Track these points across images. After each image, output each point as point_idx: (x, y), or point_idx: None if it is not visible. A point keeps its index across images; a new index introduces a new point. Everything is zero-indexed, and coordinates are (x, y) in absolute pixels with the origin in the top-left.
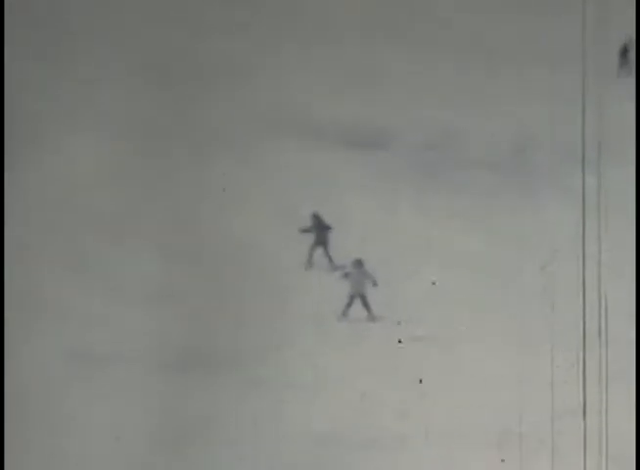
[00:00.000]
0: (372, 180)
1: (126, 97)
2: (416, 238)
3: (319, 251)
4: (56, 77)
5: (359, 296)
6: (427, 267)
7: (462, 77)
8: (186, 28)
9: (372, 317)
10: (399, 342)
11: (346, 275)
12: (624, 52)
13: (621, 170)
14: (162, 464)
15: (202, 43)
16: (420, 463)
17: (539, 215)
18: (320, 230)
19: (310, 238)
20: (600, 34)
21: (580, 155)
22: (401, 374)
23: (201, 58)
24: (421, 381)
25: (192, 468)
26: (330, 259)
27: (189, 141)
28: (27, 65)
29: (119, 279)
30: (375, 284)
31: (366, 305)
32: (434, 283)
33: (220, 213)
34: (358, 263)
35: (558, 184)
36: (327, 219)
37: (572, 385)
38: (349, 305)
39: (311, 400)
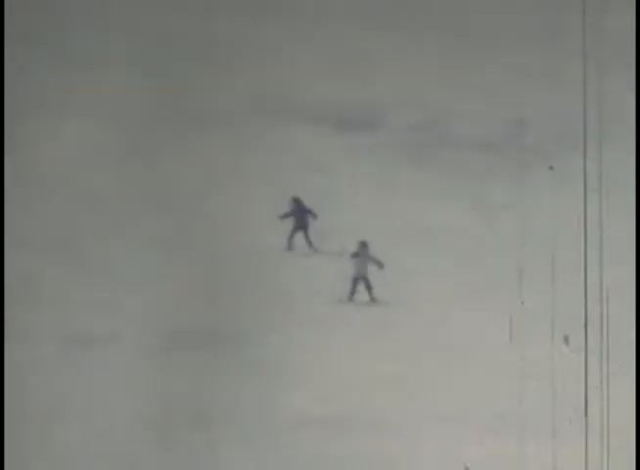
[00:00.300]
0: (363, 162)
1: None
2: (410, 219)
3: (299, 234)
4: (51, 63)
5: (362, 278)
6: (422, 249)
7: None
8: (175, 12)
9: (373, 299)
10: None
11: (353, 255)
12: None
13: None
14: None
15: (192, 26)
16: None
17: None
18: (300, 214)
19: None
20: (600, 22)
21: (582, 140)
22: (399, 355)
23: (190, 40)
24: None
25: (188, 447)
26: (310, 244)
27: (175, 123)
28: (25, 50)
29: (114, 265)
30: (381, 267)
31: (369, 287)
32: (428, 267)
33: (208, 195)
34: (363, 246)
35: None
36: (316, 202)
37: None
38: (354, 289)
39: (307, 384)
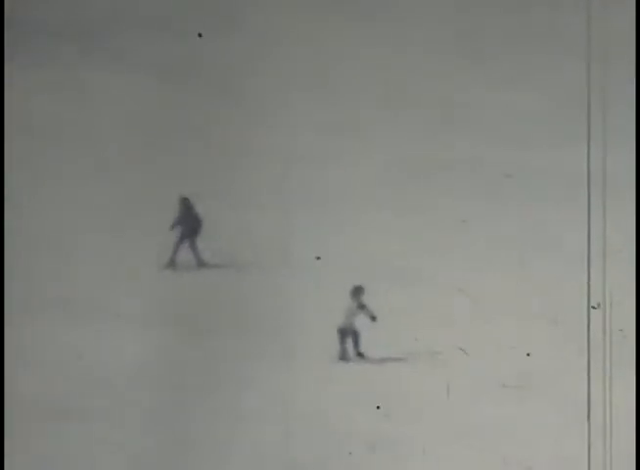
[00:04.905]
0: None
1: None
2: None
3: (186, 244)
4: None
5: (352, 333)
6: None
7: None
8: None
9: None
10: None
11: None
12: None
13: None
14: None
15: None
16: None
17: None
18: (189, 220)
19: None
20: (605, 20)
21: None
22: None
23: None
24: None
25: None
26: (197, 255)
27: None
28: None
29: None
30: (374, 319)
31: (356, 343)
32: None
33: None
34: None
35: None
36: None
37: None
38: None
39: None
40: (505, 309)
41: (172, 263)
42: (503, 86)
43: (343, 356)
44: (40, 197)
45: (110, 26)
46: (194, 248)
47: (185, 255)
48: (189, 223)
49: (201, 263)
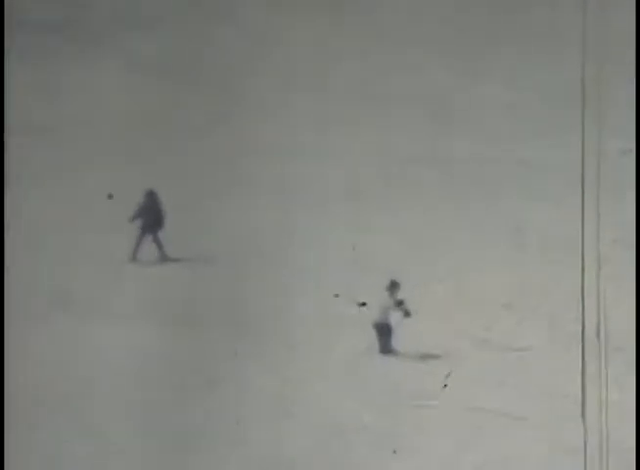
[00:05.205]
0: None
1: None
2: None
3: (149, 238)
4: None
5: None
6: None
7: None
8: None
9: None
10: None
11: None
12: None
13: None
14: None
15: None
16: None
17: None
18: (151, 213)
19: None
20: (601, 18)
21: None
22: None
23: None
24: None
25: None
26: (160, 248)
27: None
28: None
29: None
30: (408, 315)
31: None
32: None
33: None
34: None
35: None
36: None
37: None
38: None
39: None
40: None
41: (134, 257)
42: (501, 85)
43: (383, 350)
44: (40, 195)
45: (109, 26)
46: (157, 241)
47: (148, 249)
48: (151, 216)
49: (164, 258)
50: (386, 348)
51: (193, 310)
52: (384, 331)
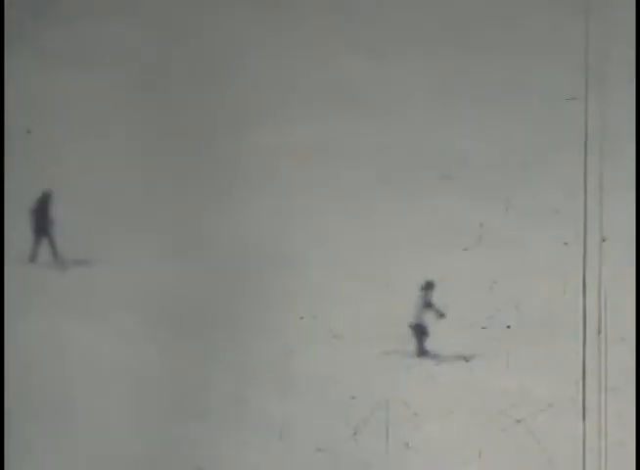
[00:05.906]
0: None
1: None
2: None
3: (45, 242)
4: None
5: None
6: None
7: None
8: None
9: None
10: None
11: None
12: None
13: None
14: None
15: None
16: None
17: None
18: (43, 215)
19: None
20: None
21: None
22: None
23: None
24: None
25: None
26: (55, 253)
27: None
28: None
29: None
30: (442, 316)
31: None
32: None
33: None
34: (429, 286)
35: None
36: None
37: None
38: None
39: None
40: None
41: (32, 258)
42: (502, 87)
43: (419, 353)
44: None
45: (108, 26)
46: (51, 243)
47: (45, 250)
48: (44, 218)
49: (58, 259)
50: (421, 350)
51: (184, 311)
52: (418, 332)
